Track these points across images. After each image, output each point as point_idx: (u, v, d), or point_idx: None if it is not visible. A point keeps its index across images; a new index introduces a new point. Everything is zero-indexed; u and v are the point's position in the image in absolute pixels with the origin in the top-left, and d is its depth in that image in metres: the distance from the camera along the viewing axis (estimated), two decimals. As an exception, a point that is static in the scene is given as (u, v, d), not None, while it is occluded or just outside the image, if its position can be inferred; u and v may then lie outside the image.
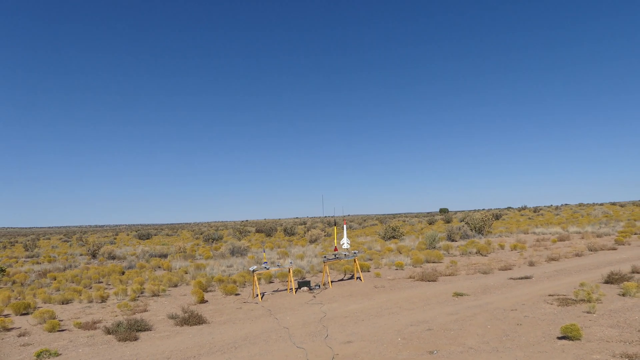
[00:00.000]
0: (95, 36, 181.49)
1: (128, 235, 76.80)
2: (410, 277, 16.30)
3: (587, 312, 9.71)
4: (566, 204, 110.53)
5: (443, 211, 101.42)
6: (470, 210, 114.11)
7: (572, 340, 7.73)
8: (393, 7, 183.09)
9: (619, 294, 11.28)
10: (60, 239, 73.07)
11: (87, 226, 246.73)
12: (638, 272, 14.18)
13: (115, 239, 61.66)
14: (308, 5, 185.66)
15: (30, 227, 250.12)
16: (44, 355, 8.32)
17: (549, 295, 11.81)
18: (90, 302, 14.25)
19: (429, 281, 15.43)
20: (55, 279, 20.03)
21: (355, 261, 16.35)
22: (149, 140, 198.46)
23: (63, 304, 14.17)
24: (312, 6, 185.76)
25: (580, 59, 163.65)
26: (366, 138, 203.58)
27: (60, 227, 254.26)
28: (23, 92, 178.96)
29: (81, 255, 34.83)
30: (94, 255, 31.91)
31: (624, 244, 23.34)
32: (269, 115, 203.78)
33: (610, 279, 12.91)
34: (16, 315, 12.63)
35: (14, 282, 19.38)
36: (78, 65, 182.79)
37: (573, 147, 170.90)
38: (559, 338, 7.95)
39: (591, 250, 21.35)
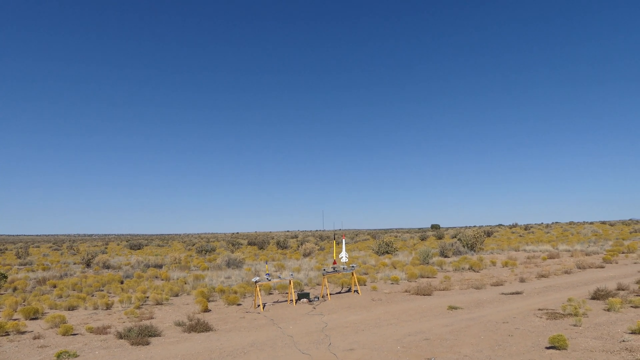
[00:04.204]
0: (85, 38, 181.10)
1: (118, 245, 76.60)
2: (405, 291, 16.87)
3: (574, 325, 10.36)
4: (557, 222, 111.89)
5: (435, 227, 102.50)
6: (461, 227, 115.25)
7: (559, 349, 8.36)
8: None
9: (604, 309, 11.94)
10: (50, 247, 72.64)
11: (75, 235, 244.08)
12: (623, 289, 14.88)
13: (106, 248, 61.55)
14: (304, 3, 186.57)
15: (17, 235, 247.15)
16: (64, 356, 8.77)
17: (539, 310, 12.45)
18: (96, 308, 14.63)
19: (424, 295, 16.00)
20: (55, 287, 20.33)
21: (353, 275, 16.91)
22: (138, 150, 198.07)
23: (69, 310, 14.54)
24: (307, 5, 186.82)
25: (577, 74, 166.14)
26: (358, 153, 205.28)
27: (48, 235, 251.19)
28: (9, 97, 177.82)
29: (75, 264, 35.00)
30: (88, 264, 32.13)
31: (611, 262, 24.12)
32: (258, 130, 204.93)
33: (597, 295, 13.59)
34: (26, 319, 12.99)
35: (15, 289, 19.60)
36: (69, 71, 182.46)
37: (565, 165, 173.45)
38: (547, 348, 8.57)
39: (580, 268, 22.09)
